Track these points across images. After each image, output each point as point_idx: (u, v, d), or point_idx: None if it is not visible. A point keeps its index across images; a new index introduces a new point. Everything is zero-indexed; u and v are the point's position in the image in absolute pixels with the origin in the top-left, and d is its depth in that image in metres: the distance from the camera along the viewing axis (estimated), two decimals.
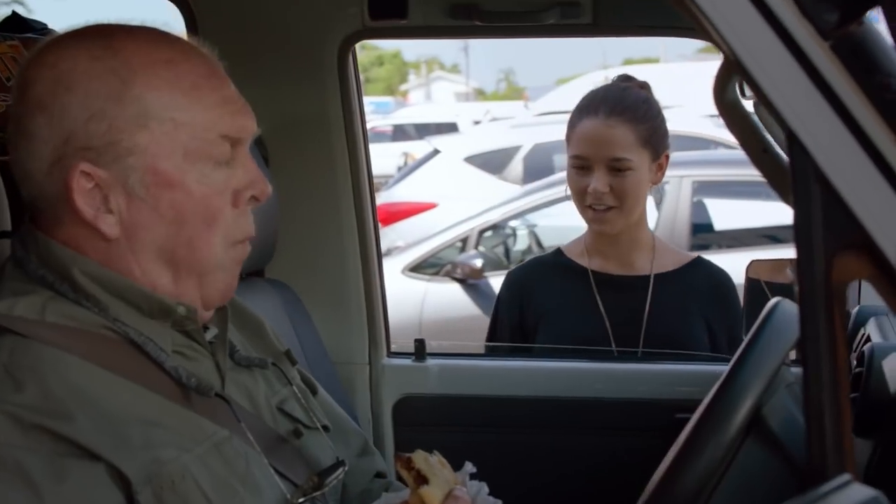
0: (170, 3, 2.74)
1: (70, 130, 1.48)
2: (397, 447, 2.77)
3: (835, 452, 1.15)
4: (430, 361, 2.80)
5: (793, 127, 1.18)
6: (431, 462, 1.55)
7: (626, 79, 2.92)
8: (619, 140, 2.76)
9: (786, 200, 1.26)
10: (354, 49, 2.74)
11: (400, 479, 1.63)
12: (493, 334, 2.97)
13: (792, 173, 1.19)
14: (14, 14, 2.62)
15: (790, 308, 1.69)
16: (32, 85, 1.51)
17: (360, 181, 2.78)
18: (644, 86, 2.89)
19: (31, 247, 1.54)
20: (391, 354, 2.85)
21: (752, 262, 2.73)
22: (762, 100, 1.21)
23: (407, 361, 2.81)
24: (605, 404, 2.70)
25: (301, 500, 1.58)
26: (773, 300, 1.71)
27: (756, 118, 1.42)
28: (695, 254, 2.99)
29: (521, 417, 2.73)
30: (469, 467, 1.64)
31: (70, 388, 1.40)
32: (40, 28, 2.61)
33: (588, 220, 2.85)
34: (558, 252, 2.97)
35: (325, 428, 1.77)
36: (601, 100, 2.81)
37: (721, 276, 2.94)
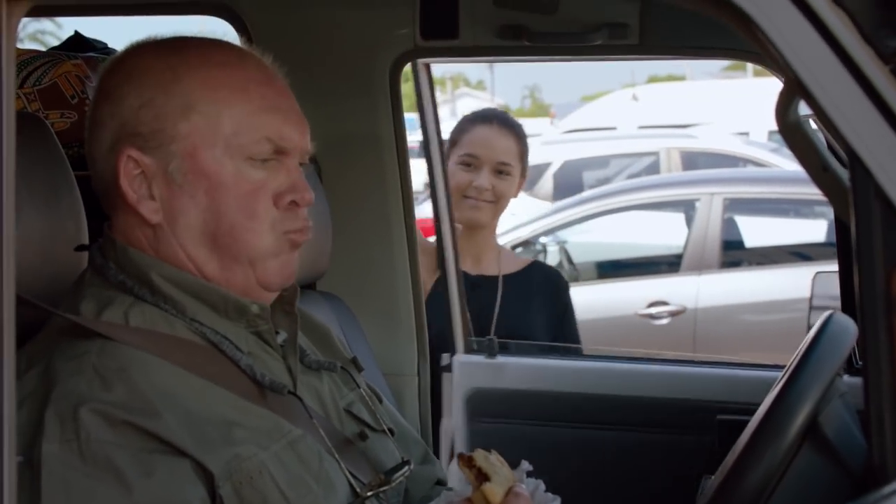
0: (226, 22, 2.83)
1: (124, 117, 1.59)
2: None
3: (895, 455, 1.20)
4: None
5: (854, 147, 1.24)
6: (491, 460, 1.60)
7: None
8: (507, 148, 3.22)
9: (844, 217, 1.32)
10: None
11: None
12: None
13: (853, 191, 1.25)
14: (77, 34, 2.71)
15: (843, 320, 1.74)
16: (106, 79, 1.65)
17: (409, 197, 2.84)
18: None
19: (109, 254, 1.62)
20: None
21: (818, 274, 2.89)
22: (824, 121, 1.27)
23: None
24: (660, 404, 2.82)
25: (369, 493, 1.64)
26: (827, 312, 1.77)
27: (816, 137, 1.47)
28: (530, 258, 3.44)
29: (572, 414, 2.87)
30: (525, 465, 1.68)
31: (155, 387, 1.47)
32: (101, 47, 2.69)
33: (464, 210, 3.19)
34: None
35: (391, 431, 1.83)
36: (492, 114, 3.35)
37: (556, 276, 3.41)
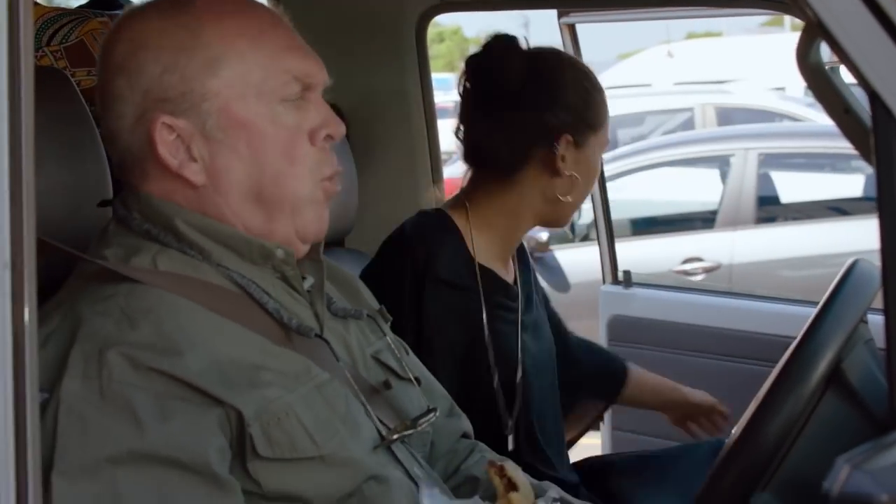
0: None
1: (147, 86, 1.57)
2: None
3: None
4: None
5: (875, 87, 1.22)
6: (519, 473, 1.62)
7: None
8: None
9: (867, 159, 1.30)
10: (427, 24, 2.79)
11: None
12: None
13: (874, 133, 1.23)
14: None
15: (868, 267, 1.73)
16: (112, 51, 1.61)
17: (436, 153, 2.84)
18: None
19: (132, 205, 1.62)
20: None
21: None
22: (845, 61, 1.25)
23: None
24: None
25: (395, 437, 1.64)
26: (851, 259, 1.75)
27: (838, 79, 1.45)
28: None
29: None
30: (553, 493, 1.70)
31: (182, 329, 1.48)
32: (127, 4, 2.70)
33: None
34: None
35: (417, 381, 1.82)
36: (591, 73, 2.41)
37: None
